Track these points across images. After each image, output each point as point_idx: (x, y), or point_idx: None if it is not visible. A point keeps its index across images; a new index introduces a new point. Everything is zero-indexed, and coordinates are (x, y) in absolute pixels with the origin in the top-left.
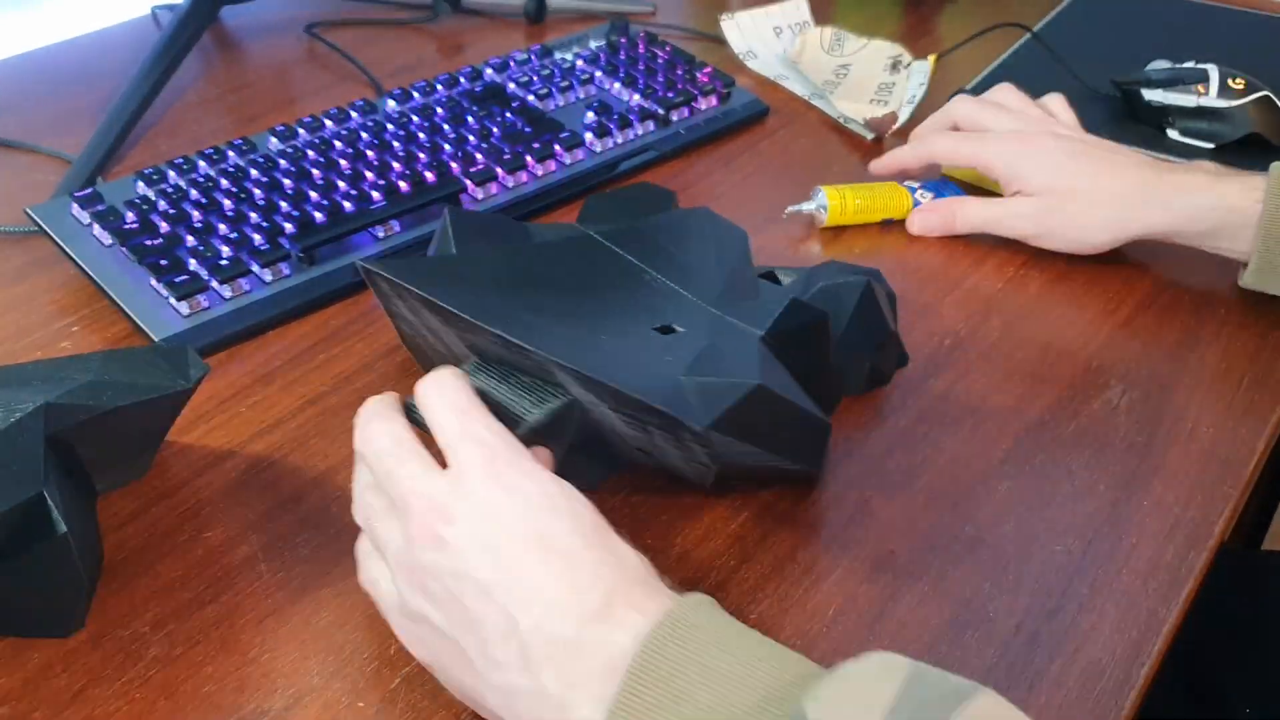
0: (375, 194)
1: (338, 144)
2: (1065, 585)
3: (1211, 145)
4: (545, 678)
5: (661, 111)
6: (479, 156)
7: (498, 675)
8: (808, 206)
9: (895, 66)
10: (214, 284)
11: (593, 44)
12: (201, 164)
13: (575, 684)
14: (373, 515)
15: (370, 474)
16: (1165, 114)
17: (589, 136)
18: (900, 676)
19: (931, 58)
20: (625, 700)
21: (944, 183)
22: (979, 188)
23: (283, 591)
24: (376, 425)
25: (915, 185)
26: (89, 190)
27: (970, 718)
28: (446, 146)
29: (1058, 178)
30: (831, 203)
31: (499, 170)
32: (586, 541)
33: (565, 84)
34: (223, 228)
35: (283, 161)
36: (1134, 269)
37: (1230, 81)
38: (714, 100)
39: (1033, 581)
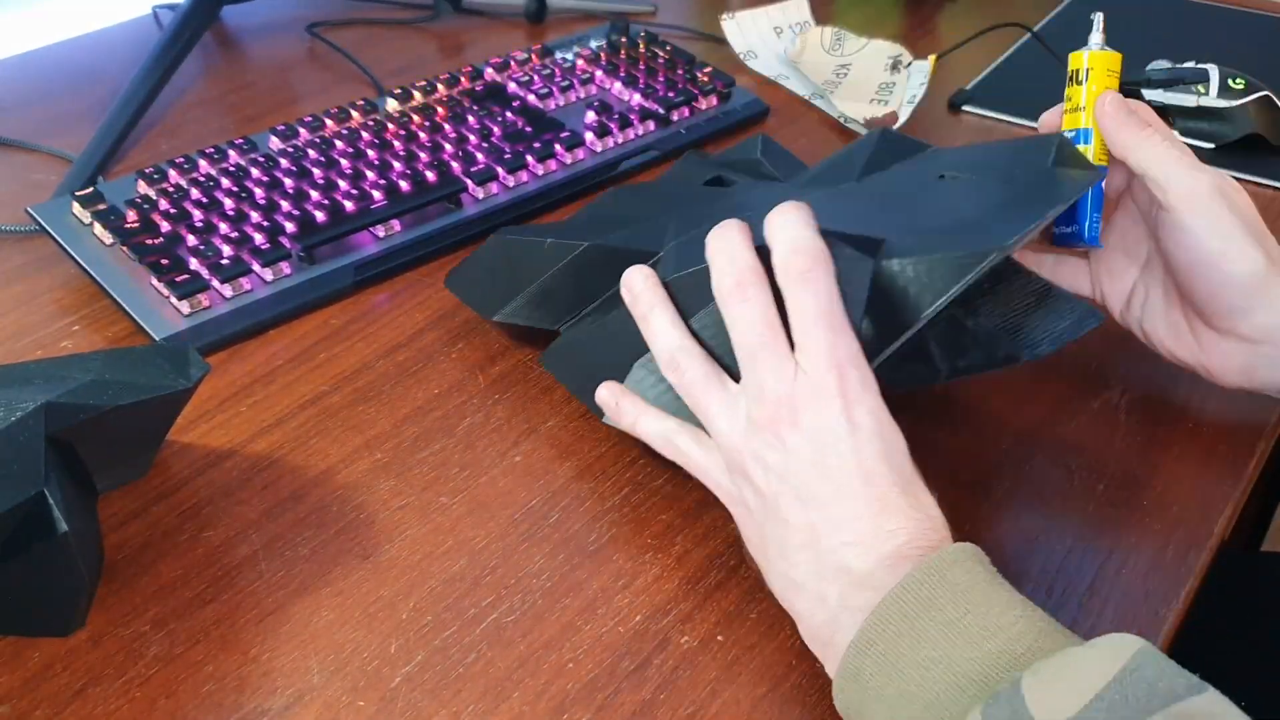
0: (376, 193)
1: (339, 143)
2: (1065, 585)
3: (1212, 145)
4: (828, 591)
5: (662, 111)
6: (480, 156)
7: (786, 567)
8: None
9: (895, 66)
10: (215, 283)
11: (593, 44)
12: (202, 163)
13: (851, 608)
14: (710, 384)
15: (727, 323)
16: (1165, 114)
17: (590, 136)
18: (1120, 663)
19: (932, 58)
20: (871, 629)
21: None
22: None
23: (283, 591)
24: (752, 290)
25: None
26: (89, 189)
27: (1177, 714)
28: (447, 146)
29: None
30: None
31: (500, 170)
32: (903, 489)
33: (566, 84)
34: (223, 227)
35: (284, 161)
36: None
37: (1230, 81)
38: (714, 100)
39: (1032, 581)
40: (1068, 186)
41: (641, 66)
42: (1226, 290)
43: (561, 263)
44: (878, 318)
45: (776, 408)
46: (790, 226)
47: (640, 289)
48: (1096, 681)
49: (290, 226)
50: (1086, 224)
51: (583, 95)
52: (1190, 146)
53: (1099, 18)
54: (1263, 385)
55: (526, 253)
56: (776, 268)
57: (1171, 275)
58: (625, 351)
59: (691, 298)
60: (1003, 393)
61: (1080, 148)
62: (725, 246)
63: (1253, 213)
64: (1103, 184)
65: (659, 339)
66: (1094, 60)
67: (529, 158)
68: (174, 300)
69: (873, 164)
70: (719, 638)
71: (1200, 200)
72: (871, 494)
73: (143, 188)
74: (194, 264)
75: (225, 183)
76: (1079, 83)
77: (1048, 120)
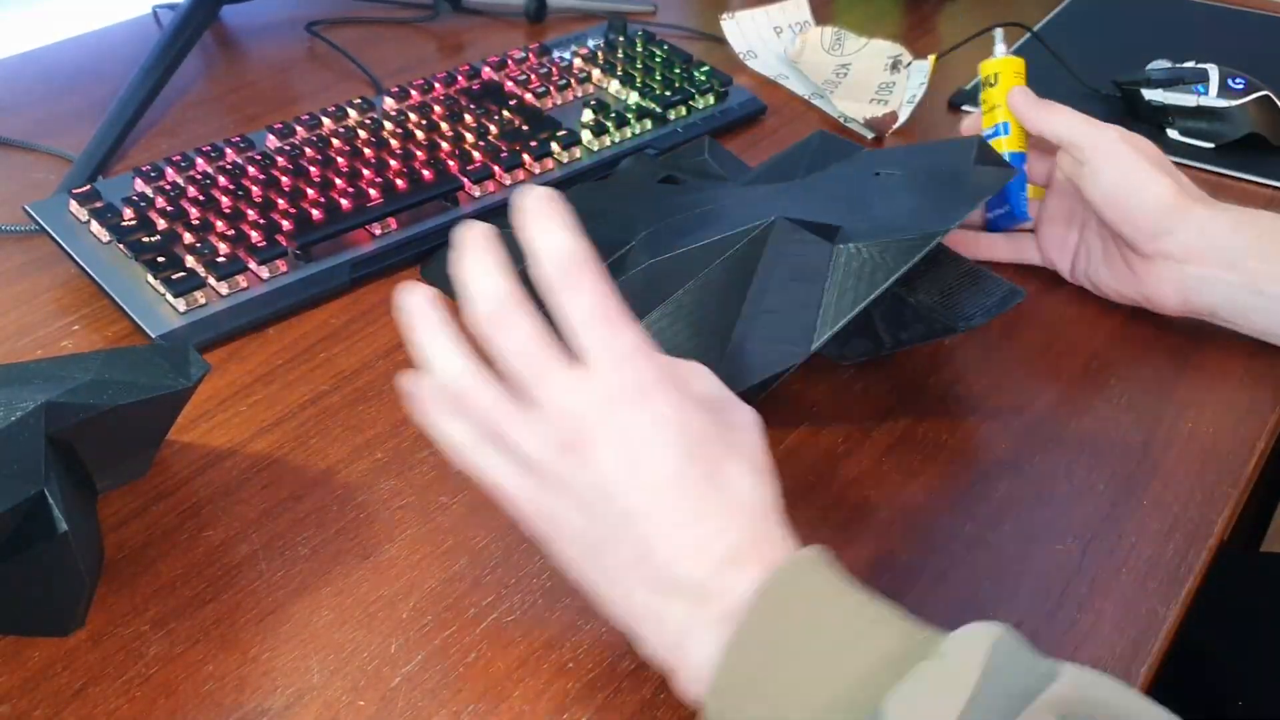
0: (373, 191)
1: (335, 141)
2: (1065, 585)
3: (1212, 145)
4: (671, 610)
5: (659, 110)
6: (476, 155)
7: (623, 590)
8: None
9: (895, 66)
10: (211, 281)
11: (591, 43)
12: (199, 161)
13: (697, 624)
14: (502, 412)
15: (494, 357)
16: (1165, 114)
17: (586, 135)
18: (976, 672)
19: (931, 57)
20: (722, 678)
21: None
22: None
23: (283, 590)
24: (513, 317)
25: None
26: (87, 188)
27: (1046, 703)
28: (444, 144)
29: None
30: None
31: (496, 168)
32: (711, 480)
33: (563, 82)
34: (220, 225)
35: (280, 159)
36: None
37: (1230, 81)
38: (712, 99)
39: (1032, 581)
40: (990, 179)
41: (639, 66)
42: (1144, 215)
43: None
44: (838, 294)
45: (575, 423)
46: (541, 235)
47: (417, 307)
48: (957, 700)
49: (287, 224)
50: (1016, 204)
51: (580, 94)
52: (1190, 146)
53: (999, 32)
54: (1200, 308)
55: (503, 244)
56: (538, 282)
57: (1102, 222)
58: None
59: (666, 281)
60: (1002, 393)
61: (1000, 139)
62: (476, 272)
63: (1155, 153)
64: (1025, 168)
65: (441, 367)
66: (1001, 65)
67: (526, 156)
68: (170, 298)
69: (814, 163)
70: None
71: (1107, 146)
72: (687, 495)
73: (140, 186)
74: (190, 262)
75: (222, 181)
76: (991, 85)
77: (968, 126)
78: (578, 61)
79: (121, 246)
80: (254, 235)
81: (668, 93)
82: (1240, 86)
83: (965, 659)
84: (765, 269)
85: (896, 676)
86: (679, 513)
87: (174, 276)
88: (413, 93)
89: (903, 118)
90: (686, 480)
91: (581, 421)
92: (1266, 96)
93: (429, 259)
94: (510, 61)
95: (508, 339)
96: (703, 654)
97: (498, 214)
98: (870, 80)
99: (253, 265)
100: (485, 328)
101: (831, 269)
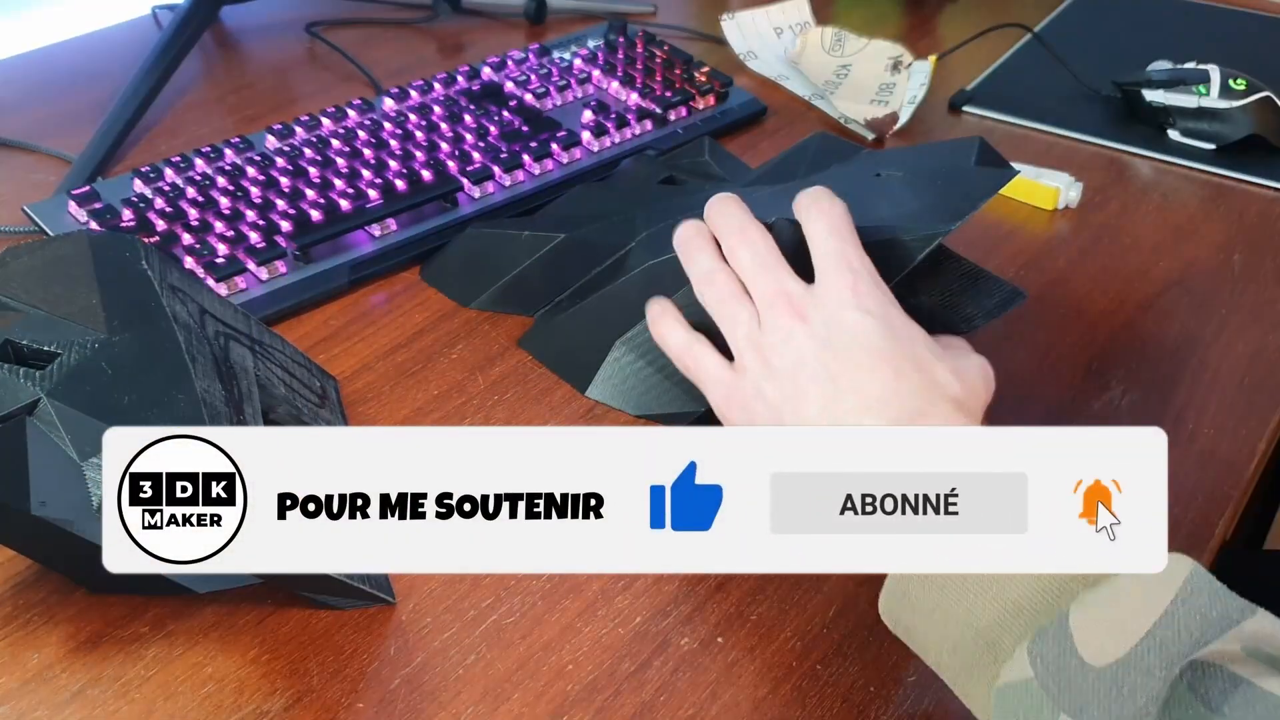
0: (372, 192)
1: (335, 142)
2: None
3: (1213, 146)
4: None
5: (659, 111)
6: (476, 155)
7: None
8: None
9: (896, 67)
10: (210, 282)
11: (591, 43)
12: (199, 162)
13: None
14: (727, 297)
15: (732, 263)
16: (1166, 115)
17: (586, 136)
18: (1170, 594)
19: (932, 58)
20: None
21: None
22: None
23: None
24: (755, 234)
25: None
26: (86, 188)
27: (1240, 635)
28: (444, 145)
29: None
30: None
31: (496, 169)
32: (917, 365)
33: (563, 83)
34: (219, 226)
35: (279, 160)
36: (1134, 270)
37: (1231, 82)
38: (712, 100)
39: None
40: (991, 181)
41: (639, 66)
42: None
43: (538, 253)
44: None
45: (788, 303)
46: (812, 225)
47: (691, 233)
48: (1147, 617)
49: (286, 225)
50: None
51: (580, 95)
52: (1191, 147)
53: None
54: None
55: (503, 245)
56: (797, 210)
57: None
58: (604, 332)
59: (667, 281)
60: (1003, 392)
61: None
62: (722, 209)
63: None
64: None
65: (697, 265)
66: None
67: (525, 157)
68: None
69: (814, 164)
70: (719, 640)
71: None
72: (883, 364)
73: (139, 187)
74: (189, 263)
75: (221, 182)
76: None
77: None
78: (578, 62)
79: None
80: (253, 236)
81: (668, 93)
82: (1241, 87)
83: (1160, 580)
84: None
85: (1085, 585)
86: (873, 378)
87: None
88: (412, 93)
89: (903, 119)
90: (883, 357)
91: (796, 303)
92: (1268, 98)
93: (429, 261)
94: (510, 62)
95: (745, 250)
96: None
97: (498, 215)
98: (871, 81)
99: (252, 266)
100: (730, 240)
101: None
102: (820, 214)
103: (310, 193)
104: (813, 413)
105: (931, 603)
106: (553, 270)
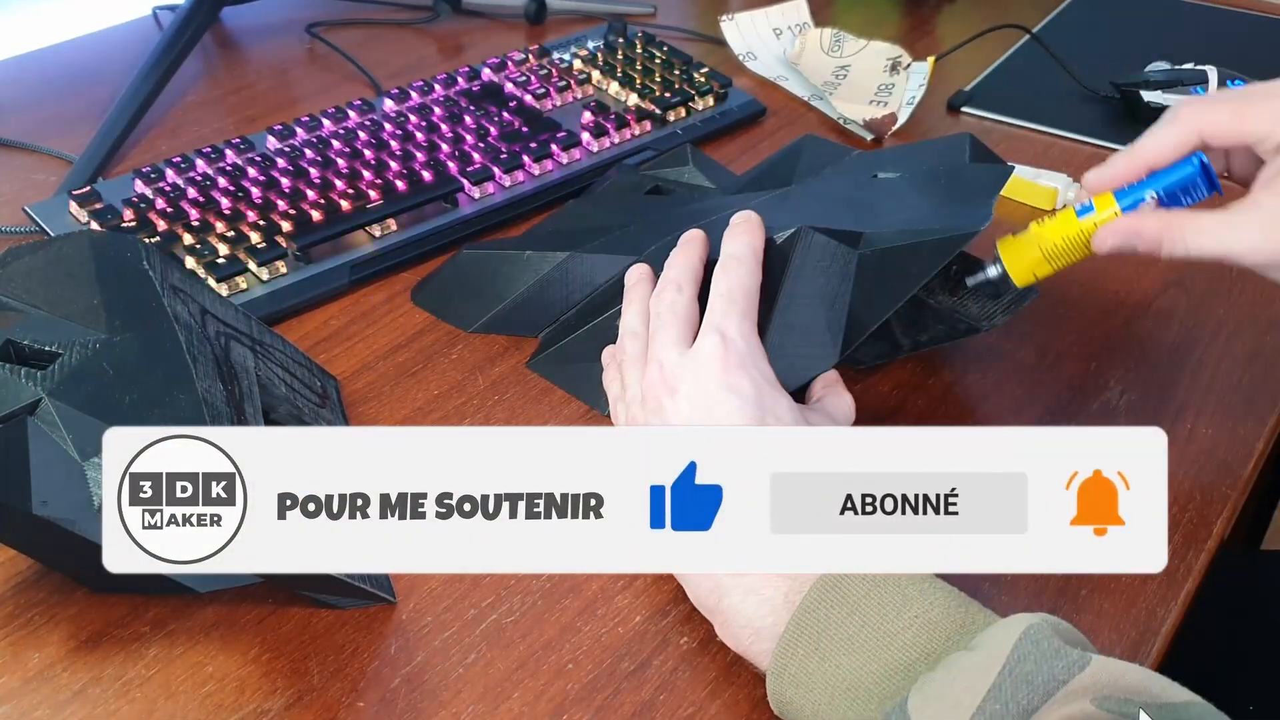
0: (372, 193)
1: (335, 143)
2: (1064, 585)
3: None
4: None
5: (658, 112)
6: (476, 156)
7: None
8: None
9: (894, 68)
10: (210, 282)
11: (590, 44)
12: (199, 162)
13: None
14: (626, 357)
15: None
16: None
17: (586, 136)
18: (999, 663)
19: (931, 59)
20: (780, 655)
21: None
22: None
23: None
24: (670, 295)
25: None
26: (87, 189)
27: (1073, 691)
28: (444, 146)
29: None
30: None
31: (496, 170)
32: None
33: (563, 84)
34: (220, 226)
35: (280, 160)
36: (1134, 270)
37: (1229, 83)
38: (711, 101)
39: (1032, 581)
40: (994, 174)
41: (638, 67)
42: None
43: (543, 273)
44: (864, 300)
45: (660, 375)
46: (715, 284)
47: (635, 279)
48: (976, 694)
49: (286, 226)
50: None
51: (579, 96)
52: None
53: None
54: None
55: (503, 265)
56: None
57: None
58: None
59: None
60: (1002, 393)
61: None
62: (677, 256)
63: None
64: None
65: (623, 319)
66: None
67: (525, 157)
68: None
69: (804, 169)
70: (719, 639)
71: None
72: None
73: (140, 187)
74: (190, 263)
75: (222, 182)
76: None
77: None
78: (577, 63)
79: None
80: (254, 237)
81: (667, 94)
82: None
83: (993, 649)
84: (792, 278)
85: (930, 667)
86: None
87: None
88: (412, 94)
89: (902, 119)
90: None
91: (670, 376)
92: None
93: (419, 285)
94: (510, 63)
95: (662, 298)
96: (767, 621)
97: (497, 215)
98: (869, 82)
99: (252, 266)
100: (656, 291)
101: (858, 275)
102: (721, 274)
103: (311, 193)
104: None
105: (802, 701)
106: (559, 289)
